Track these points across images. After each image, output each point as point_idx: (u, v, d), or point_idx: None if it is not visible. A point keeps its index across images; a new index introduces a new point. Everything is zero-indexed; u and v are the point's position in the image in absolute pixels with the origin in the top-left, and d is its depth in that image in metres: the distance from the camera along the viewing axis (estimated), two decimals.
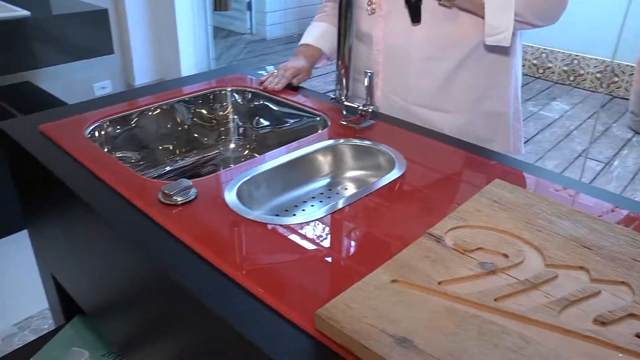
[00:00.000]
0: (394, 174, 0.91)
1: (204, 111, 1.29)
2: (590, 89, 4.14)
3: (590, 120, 3.67)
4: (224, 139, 1.33)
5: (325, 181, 1.01)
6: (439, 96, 1.15)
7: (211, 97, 1.30)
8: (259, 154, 1.27)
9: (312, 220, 0.77)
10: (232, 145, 1.33)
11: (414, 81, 1.15)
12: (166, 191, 0.80)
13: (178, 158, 1.26)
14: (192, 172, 1.25)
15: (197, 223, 0.76)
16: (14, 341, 1.88)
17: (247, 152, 1.32)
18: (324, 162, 1.02)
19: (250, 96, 1.30)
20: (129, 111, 1.16)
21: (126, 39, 2.93)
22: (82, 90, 2.87)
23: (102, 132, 1.11)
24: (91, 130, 1.08)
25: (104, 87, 2.97)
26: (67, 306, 1.24)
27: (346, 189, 1.00)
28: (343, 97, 1.10)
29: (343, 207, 0.81)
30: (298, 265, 0.68)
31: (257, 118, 1.30)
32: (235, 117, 1.33)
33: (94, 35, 2.37)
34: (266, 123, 1.29)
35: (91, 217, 0.85)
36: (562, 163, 3.12)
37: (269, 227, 0.76)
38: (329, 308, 0.57)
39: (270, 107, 1.26)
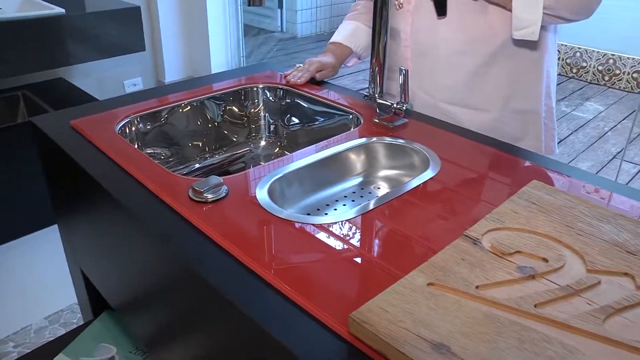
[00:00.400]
0: (428, 174, 0.88)
1: (234, 108, 1.29)
2: (626, 90, 4.03)
3: (625, 121, 3.57)
4: (254, 136, 1.33)
5: (357, 180, 1.00)
6: (467, 93, 1.12)
7: (242, 94, 1.29)
8: (290, 152, 1.26)
9: (344, 220, 0.76)
10: (262, 143, 1.32)
11: (441, 77, 1.13)
12: (196, 188, 0.79)
13: (207, 155, 1.25)
14: (221, 170, 1.25)
15: (227, 221, 0.75)
16: (45, 334, 1.91)
17: (277, 149, 1.31)
18: (357, 160, 1.00)
19: (281, 93, 1.29)
20: (159, 107, 1.16)
21: (157, 37, 2.95)
22: (113, 86, 2.90)
23: (133, 128, 1.12)
24: (122, 126, 1.08)
25: (135, 84, 3.00)
26: (95, 301, 1.25)
27: (379, 188, 0.98)
28: (376, 95, 1.08)
29: (375, 207, 0.79)
30: (329, 266, 0.67)
31: (288, 116, 1.29)
32: (266, 114, 1.32)
33: (127, 33, 2.40)
34: (297, 121, 1.28)
35: (120, 213, 0.85)
36: (596, 165, 3.04)
37: (300, 226, 0.74)
38: (363, 311, 0.56)
39: (302, 105, 1.25)
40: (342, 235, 0.73)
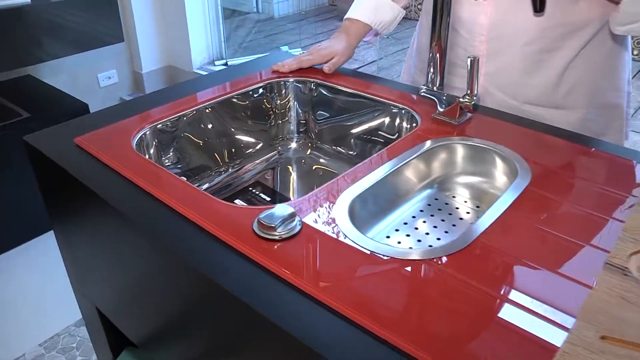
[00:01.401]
0: (521, 182, 0.74)
1: (259, 107, 1.12)
2: None
3: None
4: (281, 138, 1.16)
5: (431, 189, 0.85)
6: (554, 91, 0.97)
7: (268, 89, 1.12)
8: (324, 155, 1.10)
9: (455, 252, 0.61)
10: (292, 145, 1.15)
11: (526, 77, 0.97)
12: (266, 222, 0.63)
13: (234, 162, 1.09)
14: (250, 181, 1.09)
15: (310, 263, 0.60)
16: None
17: (309, 151, 1.14)
18: (429, 166, 0.85)
19: (313, 87, 1.12)
20: (177, 114, 0.98)
21: (131, 24, 2.72)
22: (87, 81, 2.66)
23: (150, 142, 0.94)
24: (138, 141, 0.90)
25: (109, 77, 2.76)
26: (114, 339, 1.08)
27: (454, 197, 0.84)
28: (435, 87, 0.93)
29: (482, 232, 0.64)
30: (465, 319, 0.52)
31: (321, 113, 1.12)
32: (297, 112, 1.15)
33: (102, 23, 2.17)
34: (332, 119, 1.11)
35: (159, 254, 0.68)
36: None
37: (413, 265, 0.59)
38: None
39: (338, 100, 1.08)
40: (458, 271, 0.58)
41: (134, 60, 2.84)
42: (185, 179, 1.01)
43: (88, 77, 2.67)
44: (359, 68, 3.38)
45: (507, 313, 0.53)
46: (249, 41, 3.44)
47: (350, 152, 1.09)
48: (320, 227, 0.65)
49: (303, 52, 1.16)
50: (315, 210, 0.69)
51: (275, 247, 0.62)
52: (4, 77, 2.34)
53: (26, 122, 2.06)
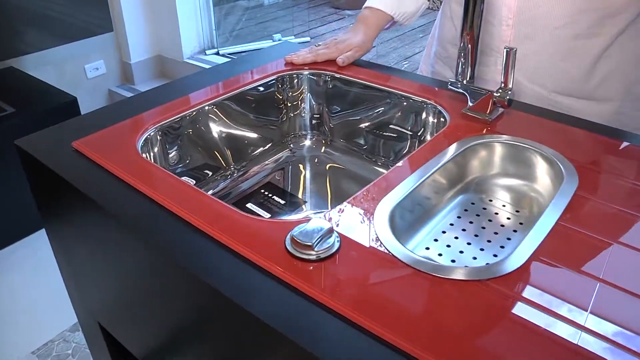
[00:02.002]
0: (569, 187, 0.68)
1: (271, 100, 1.04)
2: None
3: None
4: (292, 135, 1.08)
5: (466, 193, 0.78)
6: (586, 81, 0.91)
7: (280, 81, 1.04)
8: (340, 153, 1.03)
9: (512, 271, 0.54)
10: (306, 143, 1.08)
11: (558, 64, 0.91)
12: (301, 240, 0.56)
13: (244, 162, 1.01)
14: (263, 180, 1.01)
15: (352, 285, 0.53)
16: None
17: (323, 149, 1.07)
18: (464, 168, 0.78)
19: (328, 84, 1.05)
20: (182, 113, 0.90)
21: (118, 12, 2.60)
22: (74, 72, 2.56)
23: (153, 145, 0.86)
24: (142, 145, 0.82)
25: (96, 68, 2.66)
26: (116, 355, 1.01)
27: (490, 200, 0.77)
28: (466, 80, 0.86)
29: (539, 245, 0.58)
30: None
31: (336, 106, 1.05)
32: (310, 104, 1.07)
33: (89, 11, 2.06)
34: (350, 113, 1.04)
35: (178, 274, 0.61)
36: None
37: (478, 286, 0.53)
38: None
39: (356, 93, 1.01)
40: (527, 298, 0.51)
41: (122, 51, 2.74)
42: (194, 181, 0.93)
43: (75, 68, 2.57)
44: None
45: (587, 344, 0.46)
46: (240, 29, 3.34)
47: (368, 150, 1.02)
48: (359, 242, 0.59)
49: (319, 44, 1.08)
50: (352, 223, 0.62)
51: (311, 267, 0.56)
52: None
53: (11, 117, 1.96)
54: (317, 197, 1.01)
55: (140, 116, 0.88)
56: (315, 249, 0.56)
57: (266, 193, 1.00)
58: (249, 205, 0.97)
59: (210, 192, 0.96)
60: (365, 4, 1.08)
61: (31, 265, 1.85)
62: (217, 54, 2.87)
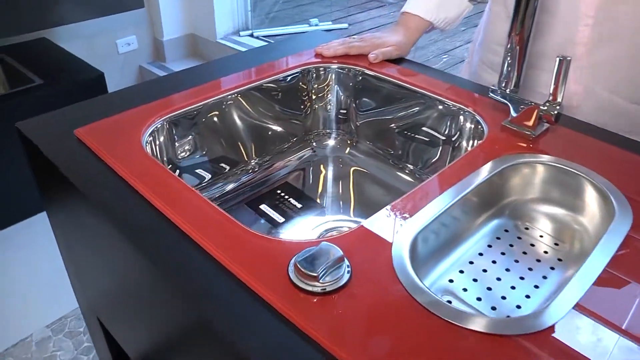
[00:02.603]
0: (620, 226, 0.59)
1: (295, 91, 0.97)
2: None
3: None
4: (316, 133, 1.01)
5: (500, 218, 0.70)
6: None
7: (306, 73, 0.97)
8: (365, 155, 0.95)
9: (542, 330, 0.46)
10: (329, 142, 1.00)
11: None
12: (306, 270, 0.49)
13: (262, 160, 0.94)
14: (280, 180, 0.94)
15: (356, 325, 0.46)
16: (49, 347, 1.64)
17: (347, 149, 1.00)
18: (500, 189, 0.70)
19: (357, 77, 0.97)
20: (198, 103, 0.84)
21: None
22: (105, 47, 2.52)
23: (163, 136, 0.80)
24: (148, 138, 0.76)
25: (128, 43, 2.62)
26: (116, 354, 0.96)
27: (527, 228, 0.69)
28: (509, 90, 0.77)
29: (572, 297, 0.50)
30: None
31: (365, 103, 0.97)
32: (337, 98, 1.00)
33: None
34: (379, 112, 0.96)
35: (164, 288, 0.55)
36: None
37: (512, 344, 0.45)
38: None
39: (386, 92, 0.93)
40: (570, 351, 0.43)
41: (155, 27, 2.69)
42: (210, 175, 0.87)
43: (106, 43, 2.53)
44: None
45: None
46: (277, 11, 3.26)
47: (396, 156, 0.94)
48: (373, 274, 0.51)
49: (353, 36, 1.00)
50: (368, 249, 0.54)
51: (315, 300, 0.48)
52: (18, 38, 2.21)
53: (38, 89, 1.94)
54: (337, 203, 0.93)
55: (153, 104, 0.81)
56: (321, 281, 0.48)
57: (282, 194, 0.93)
58: (262, 206, 0.91)
59: (223, 189, 0.90)
60: (403, 9, 1.00)
61: (49, 240, 1.83)
62: (251, 35, 2.80)
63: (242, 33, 2.79)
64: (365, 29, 3.36)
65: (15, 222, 1.97)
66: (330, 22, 3.37)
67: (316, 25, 3.14)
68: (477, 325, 0.46)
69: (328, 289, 0.49)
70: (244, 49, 2.27)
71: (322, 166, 0.99)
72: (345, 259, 0.51)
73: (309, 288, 0.49)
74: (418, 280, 0.50)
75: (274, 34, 2.87)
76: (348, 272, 0.51)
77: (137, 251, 0.55)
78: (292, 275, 0.50)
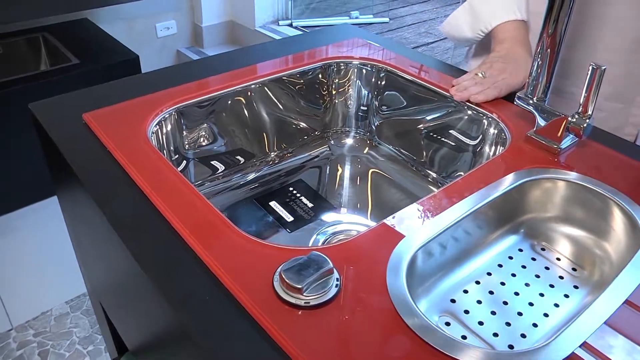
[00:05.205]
0: None
1: (313, 90, 0.93)
2: None
3: None
4: (335, 130, 0.98)
5: (515, 236, 0.65)
6: None
7: (326, 70, 0.93)
8: (384, 157, 0.91)
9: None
10: (347, 141, 0.97)
11: None
12: (289, 280, 0.46)
13: (278, 154, 0.92)
14: (294, 177, 0.91)
15: (338, 345, 0.43)
16: (67, 323, 1.66)
17: (366, 150, 0.96)
18: (517, 204, 0.65)
19: (380, 73, 0.92)
20: (203, 96, 0.81)
21: None
22: (144, 30, 2.53)
23: (169, 128, 0.78)
24: (155, 127, 0.74)
25: (168, 27, 2.62)
26: (119, 341, 0.96)
27: (543, 249, 0.64)
28: (537, 98, 0.72)
29: (585, 330, 0.45)
30: None
31: (387, 102, 0.93)
32: (358, 95, 0.96)
33: None
34: (400, 112, 0.92)
35: (159, 305, 0.53)
36: None
37: None
38: None
39: (410, 92, 0.89)
40: None
41: (194, 12, 2.69)
42: (223, 167, 0.85)
43: (145, 26, 2.54)
44: (432, 43, 3.10)
45: None
46: (318, 2, 3.22)
47: (418, 161, 0.89)
48: (364, 290, 0.48)
49: (481, 73, 0.80)
50: (362, 261, 0.51)
51: (299, 313, 0.45)
52: (60, 18, 2.24)
53: (73, 69, 1.96)
54: (351, 206, 0.90)
55: (166, 91, 0.79)
56: (305, 293, 0.45)
57: (294, 191, 0.90)
58: (272, 203, 0.88)
59: (234, 182, 0.87)
60: (495, 23, 0.83)
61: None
62: (291, 25, 2.77)
63: (281, 22, 2.77)
64: (407, 24, 3.28)
65: (42, 198, 2.00)
66: (371, 15, 3.30)
67: (357, 17, 3.08)
68: (469, 356, 0.42)
69: (312, 302, 0.45)
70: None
71: (338, 165, 0.95)
72: (335, 271, 0.48)
73: (293, 300, 0.46)
74: (411, 300, 0.46)
75: (313, 24, 2.83)
76: (336, 285, 0.47)
77: (122, 243, 0.53)
78: (276, 285, 0.47)
